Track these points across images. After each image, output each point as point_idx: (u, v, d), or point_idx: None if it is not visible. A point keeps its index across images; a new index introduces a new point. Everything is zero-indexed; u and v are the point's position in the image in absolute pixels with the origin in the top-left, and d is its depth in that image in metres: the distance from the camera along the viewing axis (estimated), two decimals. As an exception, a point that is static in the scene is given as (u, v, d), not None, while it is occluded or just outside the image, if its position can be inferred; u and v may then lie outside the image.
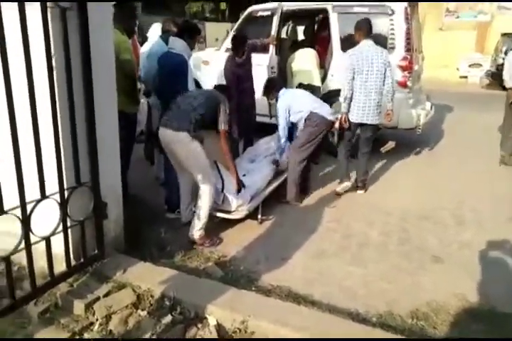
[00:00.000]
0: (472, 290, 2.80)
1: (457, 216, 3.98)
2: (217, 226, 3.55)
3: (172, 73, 3.69)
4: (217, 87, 3.73)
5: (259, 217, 3.68)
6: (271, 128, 4.52)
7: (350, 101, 4.20)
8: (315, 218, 3.84)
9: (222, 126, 3.28)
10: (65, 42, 2.23)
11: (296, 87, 5.32)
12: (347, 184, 4.48)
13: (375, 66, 4.14)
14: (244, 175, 3.88)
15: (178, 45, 3.80)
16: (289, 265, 3.06)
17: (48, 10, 2.12)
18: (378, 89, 4.20)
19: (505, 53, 13.63)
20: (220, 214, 3.48)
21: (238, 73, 4.50)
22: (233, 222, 3.59)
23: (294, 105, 4.06)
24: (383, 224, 3.78)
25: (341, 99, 4.23)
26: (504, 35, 14.25)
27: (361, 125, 4.32)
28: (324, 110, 4.06)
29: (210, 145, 3.44)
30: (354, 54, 4.17)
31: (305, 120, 4.03)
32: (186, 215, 3.55)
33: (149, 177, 4.54)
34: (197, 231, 3.26)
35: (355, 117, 4.24)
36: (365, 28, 4.28)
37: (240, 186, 3.51)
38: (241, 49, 4.54)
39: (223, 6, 21.42)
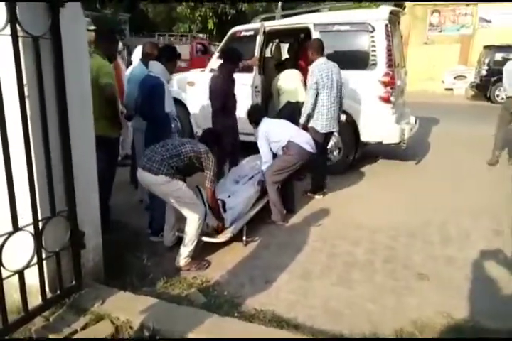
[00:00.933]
0: (457, 307, 2.77)
1: (443, 231, 3.97)
2: (201, 249, 3.50)
3: (149, 95, 3.71)
4: (208, 132, 3.68)
5: (244, 238, 3.65)
6: (256, 147, 4.53)
7: (309, 116, 4.60)
8: (300, 238, 3.81)
9: (209, 184, 3.25)
10: (38, 70, 2.22)
11: (285, 105, 5.40)
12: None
13: (335, 80, 4.58)
14: (228, 197, 3.88)
15: (156, 68, 3.83)
16: (274, 287, 3.02)
17: (20, 39, 2.12)
18: (338, 100, 4.68)
19: (488, 65, 13.91)
20: (204, 238, 3.44)
21: (226, 91, 4.56)
22: (218, 245, 3.54)
23: (273, 134, 4.06)
24: (369, 242, 3.76)
25: (304, 115, 4.59)
26: (486, 47, 14.52)
27: (326, 134, 4.69)
28: (302, 139, 4.05)
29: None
30: (319, 71, 4.50)
31: (283, 148, 4.05)
32: (169, 239, 3.52)
33: (134, 200, 4.50)
34: (183, 259, 3.22)
35: (324, 128, 4.60)
36: (318, 46, 4.67)
37: (223, 224, 3.54)
38: (235, 65, 4.64)
39: (211, 25, 21.67)
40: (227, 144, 4.42)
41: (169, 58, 3.96)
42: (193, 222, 3.19)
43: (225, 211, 3.60)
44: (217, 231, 3.51)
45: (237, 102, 4.80)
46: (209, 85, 4.59)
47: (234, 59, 4.63)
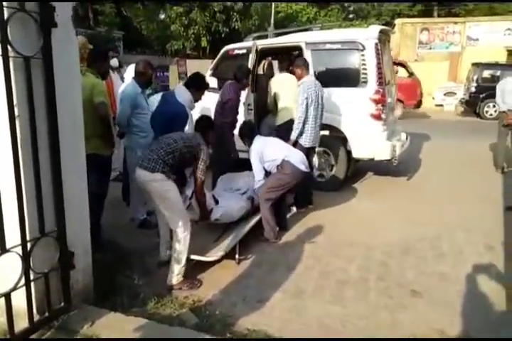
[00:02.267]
0: (451, 324, 2.76)
1: (436, 247, 3.97)
2: (193, 267, 3.46)
3: (171, 121, 3.78)
4: (202, 119, 3.72)
5: (237, 256, 3.62)
6: (246, 164, 4.55)
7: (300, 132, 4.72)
8: (293, 255, 3.79)
9: (199, 174, 3.27)
10: (29, 90, 2.22)
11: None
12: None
13: (320, 97, 4.79)
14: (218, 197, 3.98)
15: (183, 95, 3.94)
16: (266, 307, 2.98)
17: (11, 59, 2.13)
18: (321, 116, 4.88)
19: (477, 81, 14.16)
20: (195, 257, 3.41)
21: (237, 107, 4.90)
22: (210, 263, 3.51)
23: (267, 154, 4.06)
24: (362, 258, 3.74)
25: (296, 130, 4.70)
26: (474, 64, 14.80)
27: (310, 148, 4.86)
28: (297, 158, 4.06)
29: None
30: (308, 87, 4.68)
31: (277, 166, 4.05)
32: (164, 254, 3.51)
33: (125, 218, 4.47)
34: (175, 276, 3.19)
35: (310, 142, 4.78)
36: (305, 64, 4.92)
37: (208, 215, 3.59)
38: (245, 80, 4.95)
39: (204, 43, 21.91)
40: (229, 157, 4.83)
41: (199, 87, 4.07)
42: (182, 237, 3.16)
43: (217, 203, 3.67)
44: (202, 219, 3.61)
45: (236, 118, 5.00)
46: (220, 100, 4.89)
47: (244, 73, 4.97)
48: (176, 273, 3.18)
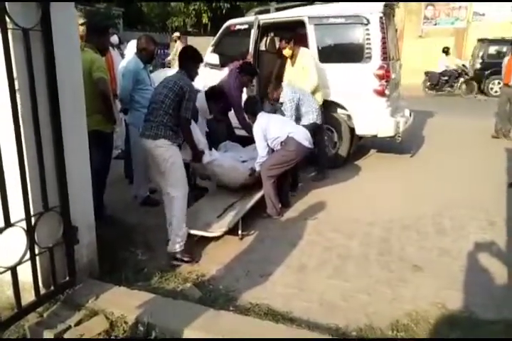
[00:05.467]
0: (452, 298, 2.79)
1: (437, 223, 3.98)
2: (196, 243, 3.50)
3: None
4: (215, 89, 3.96)
5: (240, 232, 3.64)
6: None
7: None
8: (296, 231, 3.81)
9: (184, 113, 3.30)
10: (29, 64, 2.19)
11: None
12: None
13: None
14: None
15: (201, 101, 4.07)
16: (269, 281, 3.01)
17: (9, 31, 2.09)
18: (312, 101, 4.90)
19: (482, 58, 13.93)
20: (198, 232, 3.43)
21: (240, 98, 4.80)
22: (213, 239, 3.54)
23: (271, 131, 4.03)
24: (364, 235, 3.76)
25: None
26: (480, 40, 14.51)
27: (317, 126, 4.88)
28: (301, 135, 4.04)
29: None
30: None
31: (281, 143, 4.03)
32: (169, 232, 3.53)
33: (128, 195, 4.47)
34: (177, 243, 3.25)
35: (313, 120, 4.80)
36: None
37: (200, 154, 3.64)
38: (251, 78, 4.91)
39: (205, 19, 21.51)
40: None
41: (216, 100, 4.21)
42: (177, 199, 3.24)
43: (211, 149, 3.79)
44: (194, 160, 3.68)
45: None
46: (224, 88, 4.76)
47: (251, 73, 4.89)
48: (178, 240, 3.25)
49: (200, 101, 4.11)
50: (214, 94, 4.21)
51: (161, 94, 3.32)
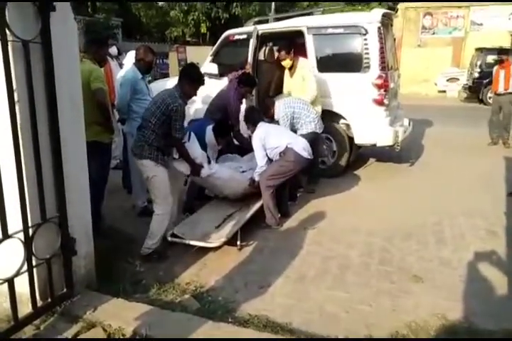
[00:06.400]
0: (452, 309, 2.77)
1: (437, 233, 3.97)
2: (195, 253, 3.48)
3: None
4: (223, 124, 4.23)
5: (239, 243, 3.62)
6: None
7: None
8: (295, 241, 3.79)
9: (175, 134, 3.32)
10: (28, 76, 2.20)
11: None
12: None
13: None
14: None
15: (210, 138, 4.18)
16: (269, 292, 2.99)
17: (9, 43, 2.10)
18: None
19: (480, 67, 14.02)
20: (197, 243, 3.42)
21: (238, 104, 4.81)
22: (212, 250, 3.52)
23: (270, 141, 4.04)
24: (364, 244, 3.74)
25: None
26: (478, 49, 14.62)
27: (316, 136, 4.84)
28: (300, 146, 4.04)
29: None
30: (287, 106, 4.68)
31: (280, 153, 4.03)
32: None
33: (126, 206, 4.46)
34: (144, 248, 3.39)
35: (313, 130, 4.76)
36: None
37: (198, 168, 3.65)
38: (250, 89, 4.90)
39: (204, 29, 21.65)
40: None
41: (224, 135, 4.24)
42: (156, 216, 3.41)
43: (209, 162, 3.83)
44: (193, 174, 3.71)
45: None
46: (219, 102, 4.86)
47: (251, 84, 4.87)
48: (146, 246, 3.39)
49: (209, 138, 4.18)
50: (222, 129, 4.23)
51: (149, 111, 3.35)
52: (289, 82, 5.41)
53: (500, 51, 9.66)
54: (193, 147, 3.64)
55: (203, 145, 3.99)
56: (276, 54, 7.39)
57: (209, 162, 3.89)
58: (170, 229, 3.55)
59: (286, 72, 5.45)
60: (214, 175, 3.88)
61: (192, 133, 3.69)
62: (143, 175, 3.42)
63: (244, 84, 4.76)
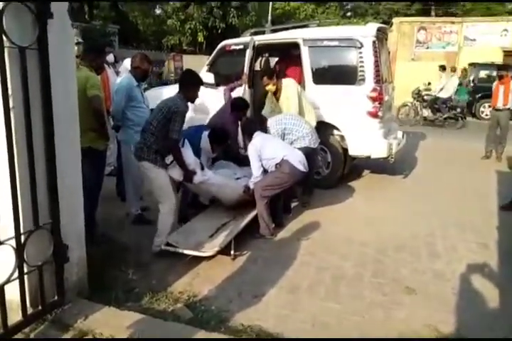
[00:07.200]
0: (444, 321, 2.77)
1: (430, 245, 3.98)
2: (188, 262, 3.45)
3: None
4: (217, 132, 4.22)
5: (232, 252, 3.60)
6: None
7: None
8: (289, 252, 3.78)
9: (171, 135, 3.37)
10: (24, 81, 2.19)
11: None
12: None
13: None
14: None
15: (205, 144, 4.21)
16: (262, 302, 2.97)
17: (6, 49, 2.10)
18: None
19: (473, 82, 14.20)
20: (190, 252, 3.40)
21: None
22: (205, 259, 3.50)
23: (266, 152, 4.04)
24: (358, 255, 3.74)
25: None
26: (471, 64, 14.84)
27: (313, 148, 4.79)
28: (296, 158, 4.03)
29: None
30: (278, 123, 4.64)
31: (276, 165, 4.03)
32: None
33: (120, 213, 4.44)
34: (154, 247, 3.57)
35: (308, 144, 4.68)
36: None
37: (190, 174, 3.66)
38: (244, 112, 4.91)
39: (201, 38, 21.82)
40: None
41: (219, 143, 4.26)
42: (161, 215, 3.58)
43: (202, 169, 3.84)
44: (186, 180, 3.72)
45: None
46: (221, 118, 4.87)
47: (243, 108, 4.89)
48: (156, 245, 3.56)
49: (204, 143, 4.19)
50: (217, 137, 4.23)
51: (152, 115, 3.51)
52: (276, 107, 5.31)
53: (501, 67, 9.78)
54: (187, 153, 3.65)
55: (197, 151, 4.00)
56: (272, 64, 7.51)
57: (202, 168, 3.89)
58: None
59: (270, 97, 5.37)
60: (208, 182, 3.87)
61: (186, 140, 3.70)
62: (144, 177, 3.66)
63: (237, 110, 4.81)
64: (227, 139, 4.37)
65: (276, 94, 5.19)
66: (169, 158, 3.50)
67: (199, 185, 3.83)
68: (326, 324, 2.73)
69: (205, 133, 4.22)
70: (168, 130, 3.37)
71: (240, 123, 4.86)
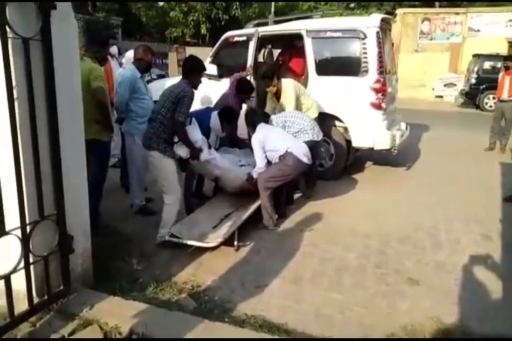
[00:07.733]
0: (447, 312, 2.78)
1: (433, 236, 3.99)
2: (192, 253, 3.48)
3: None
4: (226, 110, 4.21)
5: (236, 243, 3.62)
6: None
7: None
8: (292, 242, 3.80)
9: (177, 117, 3.38)
10: (28, 72, 2.20)
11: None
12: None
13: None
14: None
15: (214, 121, 4.17)
16: (265, 293, 2.99)
17: (9, 40, 2.10)
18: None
19: (477, 73, 14.11)
20: (194, 243, 3.42)
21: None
22: (209, 250, 3.52)
23: (270, 143, 4.03)
24: (361, 247, 3.75)
25: None
26: (475, 56, 14.72)
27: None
28: (300, 151, 4.03)
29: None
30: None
31: (279, 157, 4.03)
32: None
33: (124, 204, 4.46)
34: (158, 238, 3.60)
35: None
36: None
37: (197, 152, 3.62)
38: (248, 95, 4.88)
39: (204, 30, 21.70)
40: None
41: (230, 120, 4.24)
42: (166, 206, 3.62)
43: (210, 147, 3.82)
44: (192, 157, 3.66)
45: None
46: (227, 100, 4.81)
47: (248, 90, 4.82)
48: (160, 235, 3.59)
49: (214, 121, 4.16)
50: (228, 115, 4.20)
51: (159, 104, 3.49)
52: (277, 107, 5.24)
53: (507, 58, 9.70)
54: (194, 131, 3.63)
55: (206, 132, 3.97)
56: (275, 55, 7.48)
57: (210, 147, 3.87)
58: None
59: (271, 97, 5.30)
60: (212, 162, 3.85)
61: (193, 119, 3.68)
62: (151, 166, 3.67)
63: (242, 92, 4.73)
64: (237, 117, 4.34)
65: (277, 94, 5.15)
66: (176, 137, 3.52)
67: (205, 164, 3.81)
68: (329, 315, 2.74)
69: (215, 113, 4.20)
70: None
71: (243, 106, 4.90)
